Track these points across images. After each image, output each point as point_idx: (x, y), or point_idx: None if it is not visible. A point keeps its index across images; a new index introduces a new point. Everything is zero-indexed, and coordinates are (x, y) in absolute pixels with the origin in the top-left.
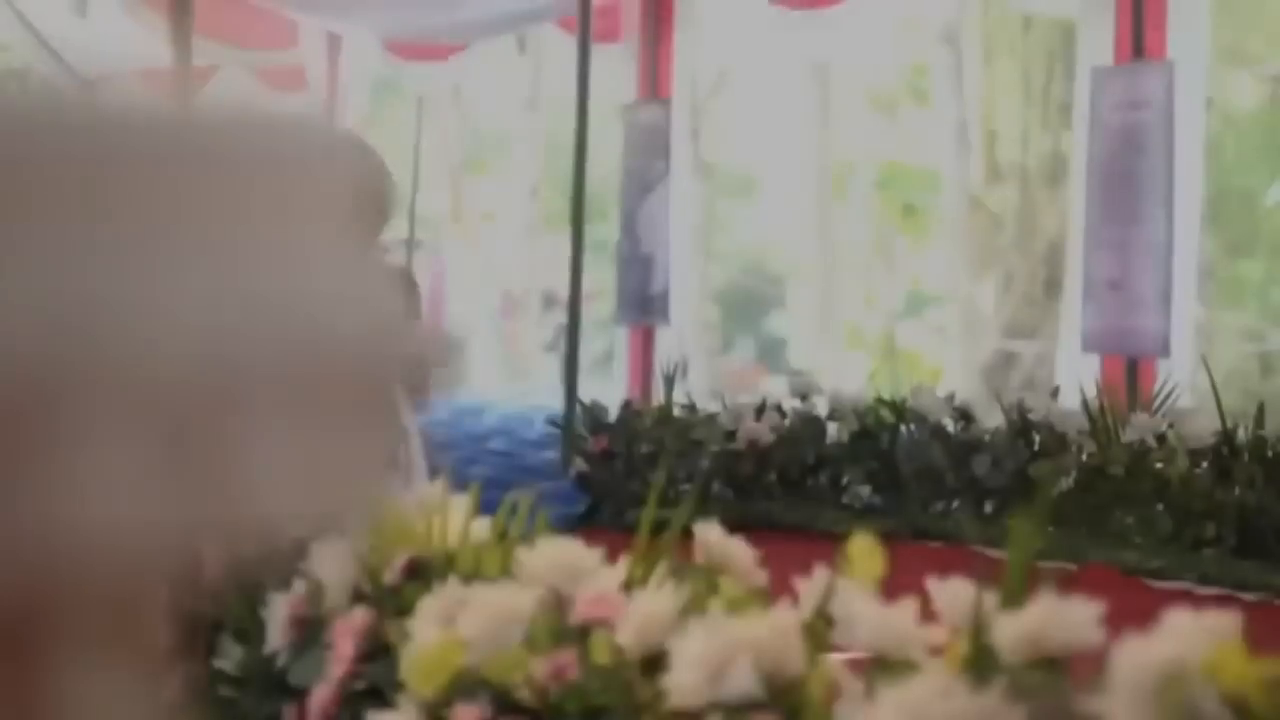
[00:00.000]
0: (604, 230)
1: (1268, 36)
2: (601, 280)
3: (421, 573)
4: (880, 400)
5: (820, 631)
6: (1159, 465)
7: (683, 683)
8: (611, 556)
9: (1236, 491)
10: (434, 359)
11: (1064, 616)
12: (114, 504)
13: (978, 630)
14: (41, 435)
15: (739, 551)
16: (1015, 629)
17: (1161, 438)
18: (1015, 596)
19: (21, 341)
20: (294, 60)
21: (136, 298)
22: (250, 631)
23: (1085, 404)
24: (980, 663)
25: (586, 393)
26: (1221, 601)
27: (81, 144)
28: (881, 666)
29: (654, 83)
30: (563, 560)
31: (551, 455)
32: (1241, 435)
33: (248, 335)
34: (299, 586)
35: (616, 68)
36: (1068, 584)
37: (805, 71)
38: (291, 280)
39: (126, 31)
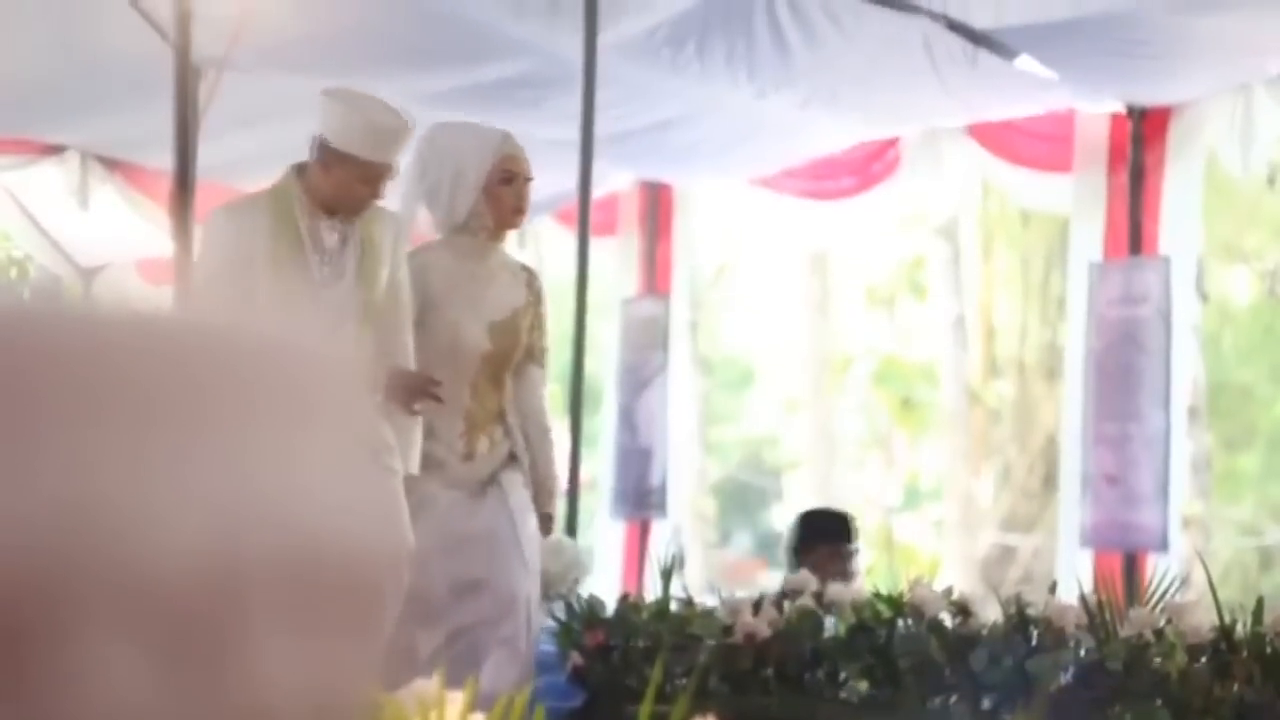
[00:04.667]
0: (601, 422)
1: (1263, 232)
2: (598, 472)
3: None
4: (877, 595)
5: None
6: (1157, 660)
7: None
8: None
9: (1235, 688)
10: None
11: None
12: (114, 700)
13: None
14: (44, 633)
15: None
16: None
17: (1160, 633)
18: None
19: (25, 542)
20: None
21: (138, 500)
22: None
23: (1083, 598)
24: None
25: (585, 582)
26: None
27: (85, 351)
28: None
29: (653, 276)
30: None
31: (548, 649)
32: (1240, 631)
33: (248, 538)
34: None
35: (615, 261)
36: None
37: (804, 265)
38: (290, 485)
39: (128, 223)
